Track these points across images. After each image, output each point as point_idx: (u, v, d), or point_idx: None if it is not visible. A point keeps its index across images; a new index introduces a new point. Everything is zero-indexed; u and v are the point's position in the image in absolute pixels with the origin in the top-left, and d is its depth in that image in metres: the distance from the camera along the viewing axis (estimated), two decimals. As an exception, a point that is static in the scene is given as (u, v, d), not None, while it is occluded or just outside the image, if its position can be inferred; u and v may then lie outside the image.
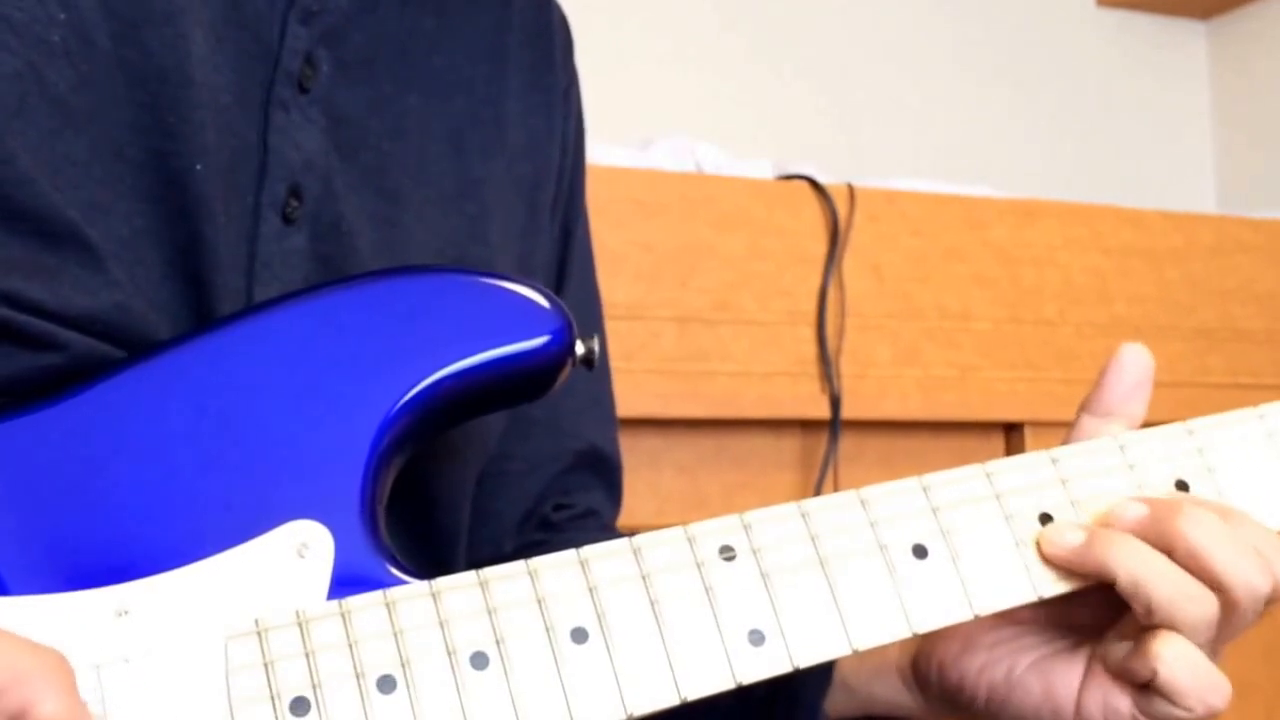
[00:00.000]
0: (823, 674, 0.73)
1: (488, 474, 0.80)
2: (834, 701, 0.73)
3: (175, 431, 0.58)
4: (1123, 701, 0.63)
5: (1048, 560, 0.63)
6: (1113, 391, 0.69)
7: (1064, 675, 0.65)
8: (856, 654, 0.60)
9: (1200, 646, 0.61)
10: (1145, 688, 0.62)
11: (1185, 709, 0.61)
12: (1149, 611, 0.61)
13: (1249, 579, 0.61)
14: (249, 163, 0.66)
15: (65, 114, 0.60)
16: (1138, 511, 0.63)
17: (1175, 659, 0.61)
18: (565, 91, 0.85)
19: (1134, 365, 0.69)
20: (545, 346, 0.63)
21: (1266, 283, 1.86)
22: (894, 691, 0.72)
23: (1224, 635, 0.63)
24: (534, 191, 0.81)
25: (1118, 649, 0.63)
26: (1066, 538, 0.62)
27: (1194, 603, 0.61)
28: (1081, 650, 0.66)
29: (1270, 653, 1.78)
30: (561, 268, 0.85)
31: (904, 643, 0.68)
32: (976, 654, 0.67)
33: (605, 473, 0.88)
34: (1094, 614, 0.65)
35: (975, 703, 0.67)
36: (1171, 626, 0.61)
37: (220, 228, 0.64)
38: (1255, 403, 0.71)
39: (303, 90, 0.68)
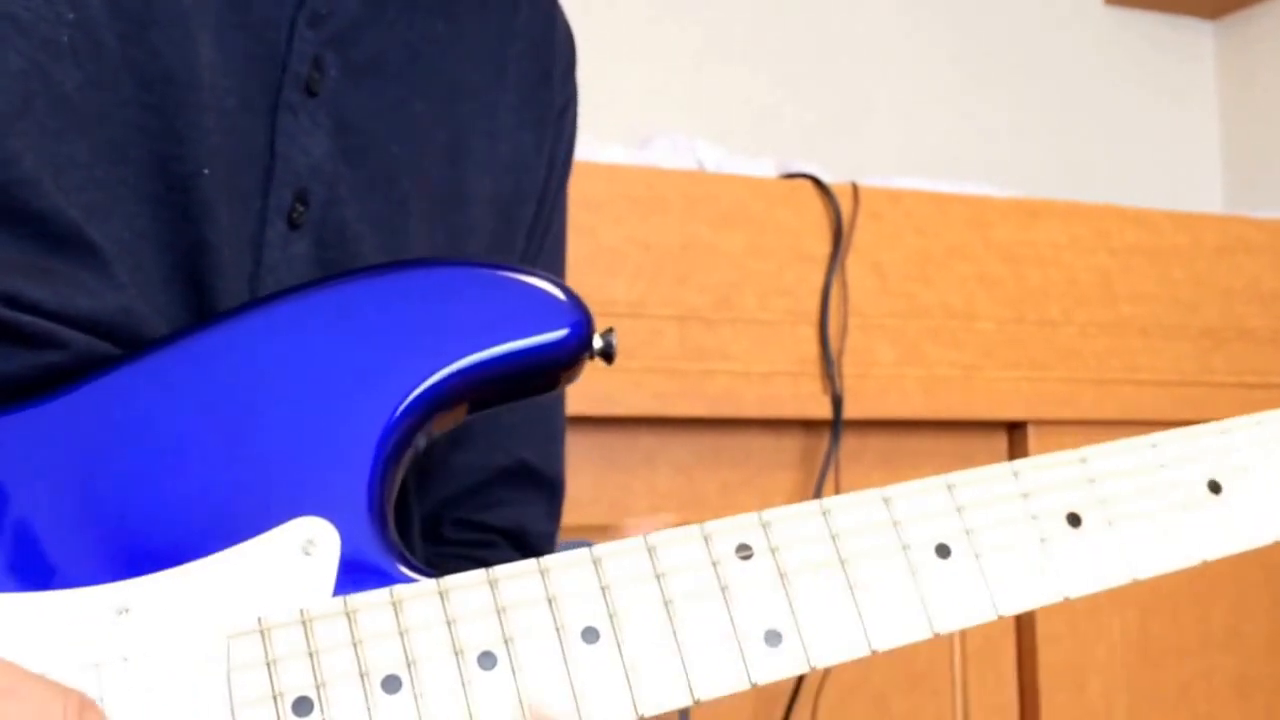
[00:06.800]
0: None
1: (418, 472, 0.77)
2: None
3: (179, 426, 0.57)
4: None
5: None
6: None
7: None
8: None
9: None
10: None
11: None
12: None
13: None
14: (255, 167, 0.65)
15: (70, 115, 0.59)
16: None
17: None
18: (561, 110, 0.84)
19: None
20: (564, 339, 0.62)
21: (1272, 283, 1.85)
22: None
23: None
24: (511, 206, 0.80)
25: None
26: None
27: None
28: None
29: (1273, 649, 1.77)
30: None
31: None
32: None
33: (536, 488, 0.84)
34: None
35: None
36: None
37: (224, 232, 0.63)
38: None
39: (310, 94, 0.67)
